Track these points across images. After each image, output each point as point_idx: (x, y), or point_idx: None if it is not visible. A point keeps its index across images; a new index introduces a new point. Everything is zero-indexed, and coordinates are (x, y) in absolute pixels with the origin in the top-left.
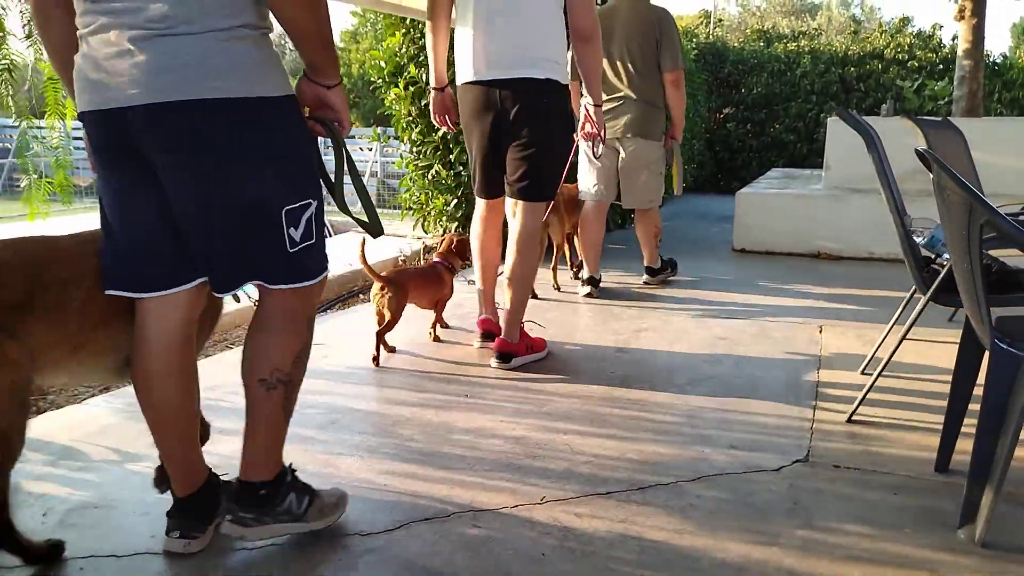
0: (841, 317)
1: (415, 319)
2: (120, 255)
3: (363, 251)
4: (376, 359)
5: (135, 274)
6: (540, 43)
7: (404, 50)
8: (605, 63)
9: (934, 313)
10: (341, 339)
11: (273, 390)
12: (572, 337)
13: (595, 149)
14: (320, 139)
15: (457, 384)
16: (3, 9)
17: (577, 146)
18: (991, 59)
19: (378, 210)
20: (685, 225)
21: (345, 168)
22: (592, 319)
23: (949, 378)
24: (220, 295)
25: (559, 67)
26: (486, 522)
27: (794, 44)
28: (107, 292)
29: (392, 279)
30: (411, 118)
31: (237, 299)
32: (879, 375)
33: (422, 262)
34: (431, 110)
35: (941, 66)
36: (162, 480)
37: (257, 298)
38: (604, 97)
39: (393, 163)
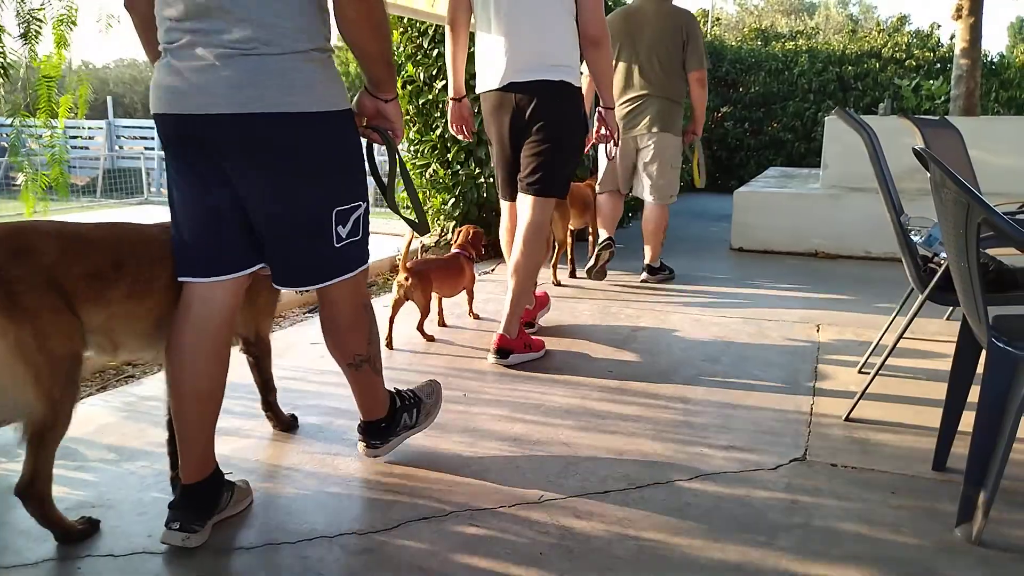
0: (838, 316)
1: (413, 319)
2: (187, 244)
3: (408, 246)
4: (389, 343)
5: (200, 260)
6: (555, 49)
7: (402, 49)
8: (632, 61)
9: (931, 312)
10: None
11: (361, 367)
12: (570, 335)
13: (609, 150)
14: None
15: (455, 383)
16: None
17: (594, 145)
18: (988, 58)
19: (375, 209)
20: (683, 224)
21: (397, 172)
22: (590, 317)
23: (946, 377)
24: (279, 287)
25: (573, 71)
26: (484, 521)
27: (792, 43)
28: (180, 279)
29: (417, 270)
30: (408, 117)
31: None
32: (876, 374)
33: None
34: (449, 119)
35: (938, 65)
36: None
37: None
38: (630, 94)
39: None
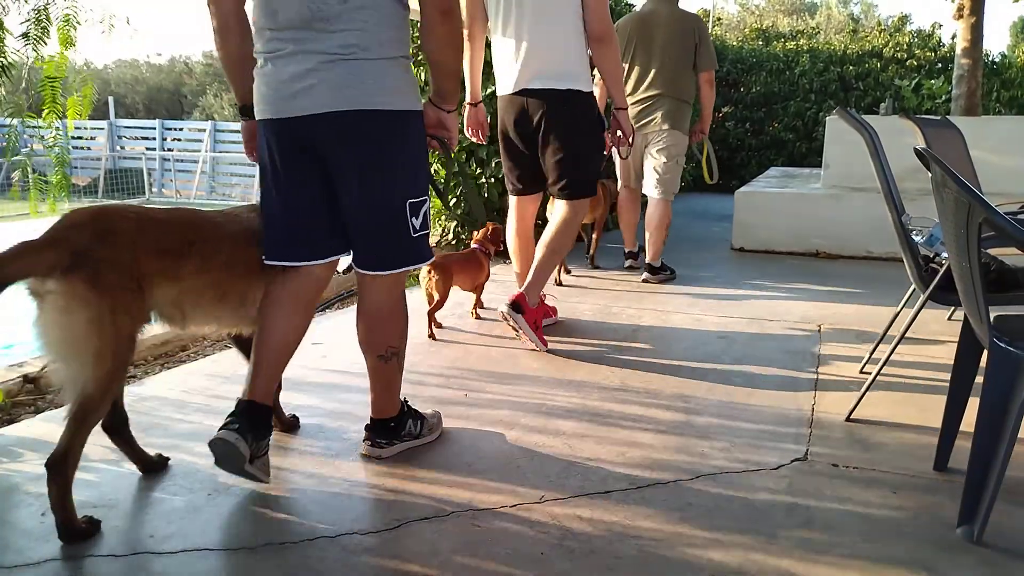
0: (840, 316)
1: (414, 319)
2: (282, 232)
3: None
4: (432, 335)
5: (293, 248)
6: (563, 57)
7: None
8: (647, 61)
9: (933, 312)
10: (341, 339)
11: (390, 360)
12: (571, 334)
13: (621, 151)
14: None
15: (456, 382)
16: (2, 8)
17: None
18: (990, 58)
19: None
20: (684, 224)
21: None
22: (590, 317)
23: (948, 377)
24: (362, 272)
25: (581, 77)
26: (485, 521)
27: (793, 43)
28: (267, 262)
29: (440, 264)
30: None
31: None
32: (878, 373)
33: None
34: (465, 123)
35: (940, 65)
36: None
37: (344, 269)
38: (643, 93)
39: None
